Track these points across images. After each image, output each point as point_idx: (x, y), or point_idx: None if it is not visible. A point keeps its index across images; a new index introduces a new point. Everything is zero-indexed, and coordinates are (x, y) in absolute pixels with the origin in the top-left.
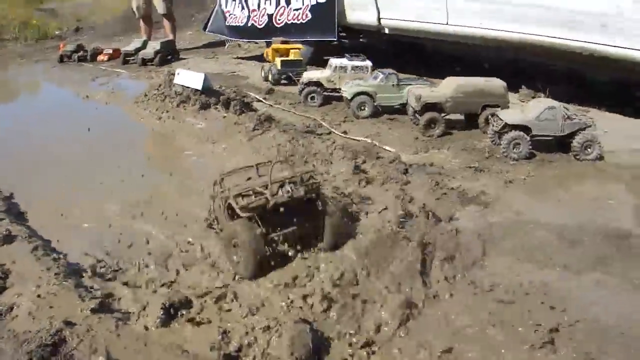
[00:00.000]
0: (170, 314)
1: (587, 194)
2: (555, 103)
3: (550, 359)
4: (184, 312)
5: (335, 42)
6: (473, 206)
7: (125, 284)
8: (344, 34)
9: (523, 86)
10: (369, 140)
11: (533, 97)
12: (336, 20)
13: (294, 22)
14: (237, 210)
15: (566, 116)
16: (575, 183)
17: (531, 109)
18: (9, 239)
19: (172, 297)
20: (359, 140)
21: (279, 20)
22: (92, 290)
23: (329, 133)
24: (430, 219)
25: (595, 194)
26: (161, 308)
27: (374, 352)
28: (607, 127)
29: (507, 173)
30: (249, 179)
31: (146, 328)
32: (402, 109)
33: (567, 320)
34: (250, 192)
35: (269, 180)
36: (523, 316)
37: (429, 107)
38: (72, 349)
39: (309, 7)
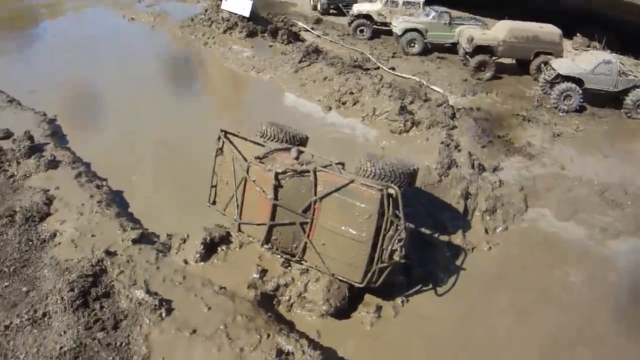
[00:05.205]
0: (210, 248)
1: (635, 153)
2: (611, 57)
3: None
4: (223, 247)
5: None
6: (518, 157)
7: None
8: None
9: (578, 34)
10: (417, 79)
11: (588, 46)
12: None
13: None
14: None
15: (622, 72)
16: (623, 141)
17: (586, 61)
18: (54, 164)
19: (213, 232)
20: (407, 78)
21: None
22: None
23: (377, 68)
24: (475, 169)
25: None
26: (201, 243)
27: None
28: None
29: (556, 126)
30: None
31: (185, 262)
32: (452, 48)
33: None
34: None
35: None
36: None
37: (480, 49)
38: (112, 280)
39: None
